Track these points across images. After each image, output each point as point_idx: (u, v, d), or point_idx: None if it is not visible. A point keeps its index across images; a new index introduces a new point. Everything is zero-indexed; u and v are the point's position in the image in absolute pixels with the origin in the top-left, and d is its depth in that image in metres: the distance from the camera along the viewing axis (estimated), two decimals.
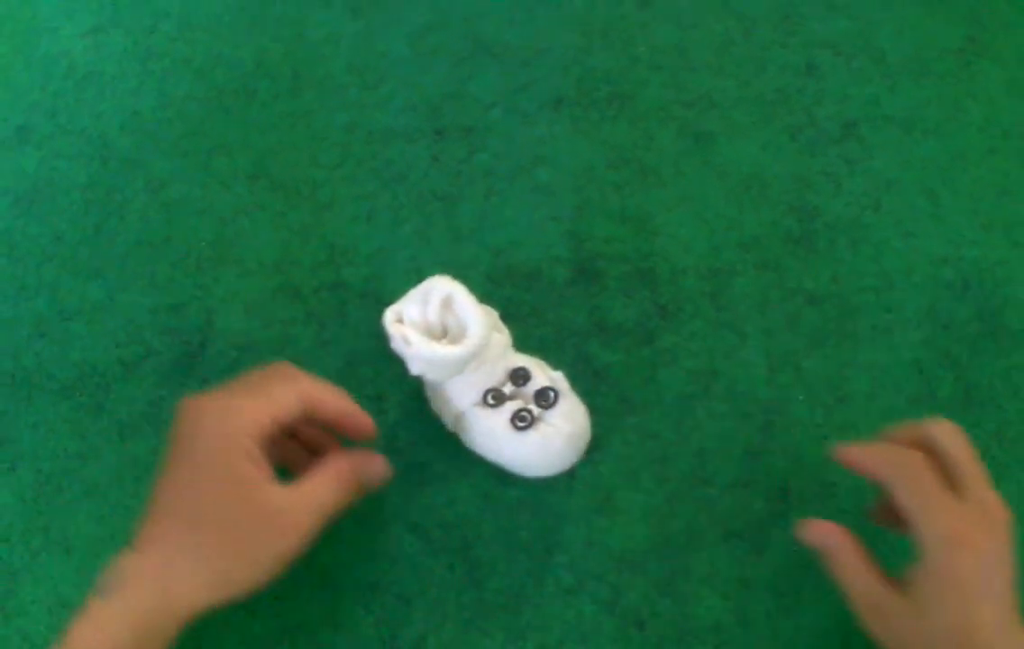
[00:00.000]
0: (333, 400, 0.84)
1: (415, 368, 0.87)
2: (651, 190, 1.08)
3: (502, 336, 0.91)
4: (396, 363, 0.89)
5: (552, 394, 0.89)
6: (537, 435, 0.87)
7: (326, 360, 0.98)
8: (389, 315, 0.87)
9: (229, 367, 0.99)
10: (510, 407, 0.88)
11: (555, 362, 0.94)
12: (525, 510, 0.91)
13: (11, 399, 1.00)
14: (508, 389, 0.89)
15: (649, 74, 1.18)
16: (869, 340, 0.99)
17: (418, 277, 0.90)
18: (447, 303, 0.87)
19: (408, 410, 0.95)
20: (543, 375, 0.91)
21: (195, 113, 1.18)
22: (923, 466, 0.77)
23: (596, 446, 0.92)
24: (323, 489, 0.80)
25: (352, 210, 1.09)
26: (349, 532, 0.87)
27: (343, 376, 0.96)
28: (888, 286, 1.02)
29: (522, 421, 0.87)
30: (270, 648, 0.86)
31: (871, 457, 0.80)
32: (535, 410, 0.88)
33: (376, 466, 0.85)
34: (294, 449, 0.88)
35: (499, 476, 0.91)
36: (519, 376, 0.90)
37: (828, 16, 1.23)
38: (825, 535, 0.81)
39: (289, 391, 0.81)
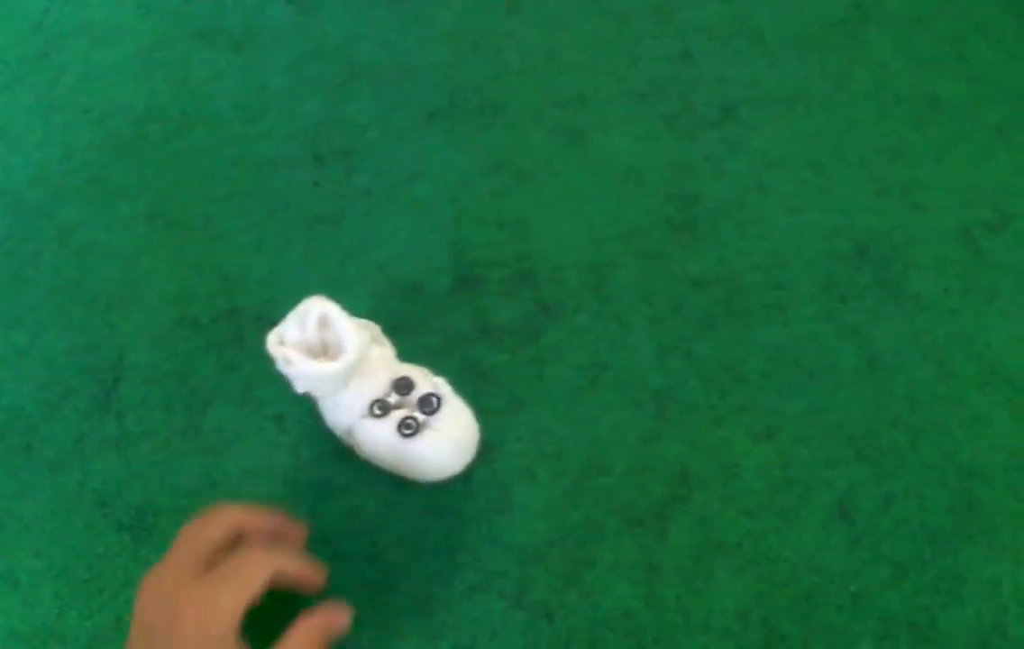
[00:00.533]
0: (294, 566, 0.83)
1: (300, 386, 0.88)
2: (528, 192, 1.10)
3: (384, 348, 0.92)
4: (290, 385, 0.90)
5: (435, 400, 0.89)
6: (423, 441, 0.88)
7: (227, 385, 0.98)
8: (272, 338, 0.88)
9: (140, 401, 0.99)
10: (396, 416, 0.89)
11: (442, 369, 0.94)
12: (428, 514, 0.91)
13: None
14: (393, 399, 0.90)
15: (519, 80, 1.20)
16: (762, 319, 1.00)
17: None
18: (324, 322, 0.88)
19: (307, 428, 0.96)
20: (426, 382, 0.91)
21: (96, 160, 1.20)
22: None
23: (490, 446, 0.93)
24: (300, 643, 0.81)
25: (243, 240, 1.11)
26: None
27: (244, 400, 0.97)
28: (778, 264, 1.03)
29: (408, 428, 0.88)
30: None
31: None
32: (420, 417, 0.88)
33: (342, 620, 0.84)
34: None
35: (400, 484, 0.92)
36: (402, 385, 0.90)
37: (701, 3, 1.25)
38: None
39: (257, 572, 0.80)
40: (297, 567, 0.83)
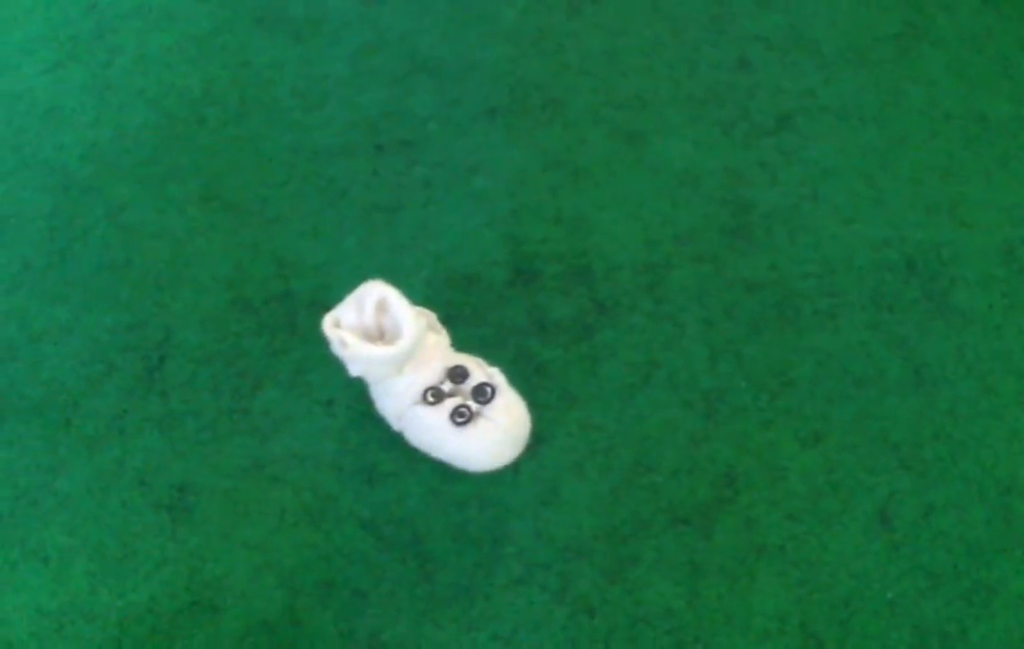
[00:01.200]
0: None
1: (354, 369, 0.90)
2: (585, 191, 1.11)
3: (439, 336, 0.94)
4: (344, 369, 0.92)
5: (489, 389, 0.91)
6: (476, 429, 0.90)
7: (277, 368, 1.00)
8: (328, 320, 0.90)
9: (188, 380, 1.01)
10: (449, 404, 0.91)
11: (496, 360, 0.96)
12: (472, 505, 0.93)
13: None
14: (447, 387, 0.92)
15: (579, 80, 1.22)
16: (812, 325, 1.02)
17: None
18: (382, 306, 0.90)
19: (357, 413, 0.98)
20: (481, 372, 0.94)
21: (150, 141, 1.22)
22: None
23: (540, 440, 0.94)
24: None
25: (299, 225, 1.13)
26: (305, 533, 0.90)
27: (294, 384, 0.99)
28: (829, 271, 1.05)
29: (461, 416, 0.90)
30: (235, 645, 0.88)
31: None
32: (473, 406, 0.91)
33: None
34: None
35: (446, 473, 0.94)
36: (457, 374, 0.93)
37: (759, 12, 1.27)
38: None
39: None
40: None
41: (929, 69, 1.22)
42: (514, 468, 0.93)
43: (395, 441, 0.95)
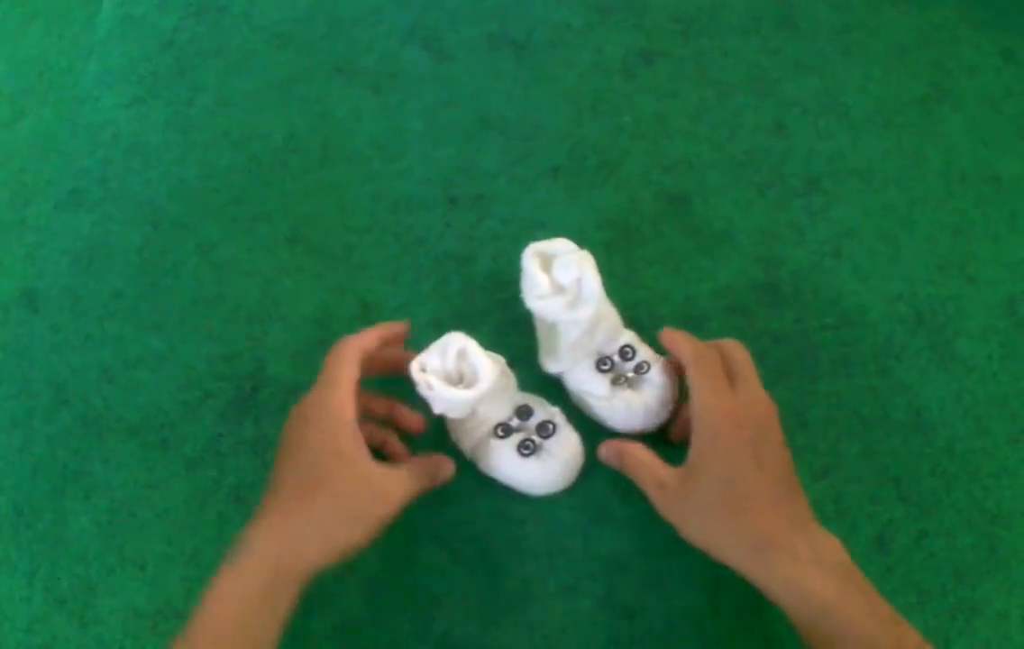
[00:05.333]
0: (373, 335, 1.06)
1: (437, 408, 1.05)
2: (634, 248, 1.26)
3: (509, 379, 1.10)
4: (422, 404, 1.06)
5: (551, 426, 1.08)
6: (538, 461, 1.07)
7: None
8: (414, 365, 1.05)
9: (279, 408, 1.13)
10: (516, 438, 1.08)
11: (556, 400, 1.12)
12: (531, 523, 1.09)
13: (83, 437, 1.16)
14: (515, 423, 1.09)
15: (632, 143, 1.35)
16: (828, 372, 1.18)
17: (436, 329, 1.08)
18: (462, 354, 1.06)
19: (433, 442, 1.12)
20: (543, 410, 1.10)
21: (236, 182, 1.35)
22: (713, 356, 1.01)
23: (591, 468, 1.10)
24: (410, 473, 1.02)
25: (380, 271, 1.26)
26: (388, 545, 1.04)
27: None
28: (846, 324, 1.21)
29: (526, 449, 1.07)
30: (322, 643, 1.04)
31: (681, 341, 1.04)
32: (537, 440, 1.07)
33: (447, 468, 1.05)
34: (374, 433, 1.10)
35: (509, 495, 1.09)
36: (523, 411, 1.10)
37: (798, 76, 1.42)
38: (616, 445, 1.06)
39: (343, 360, 1.02)
40: (377, 334, 1.05)
41: (949, 131, 1.35)
42: (569, 493, 1.09)
43: (466, 467, 1.10)
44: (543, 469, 1.07)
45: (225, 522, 1.10)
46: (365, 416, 1.07)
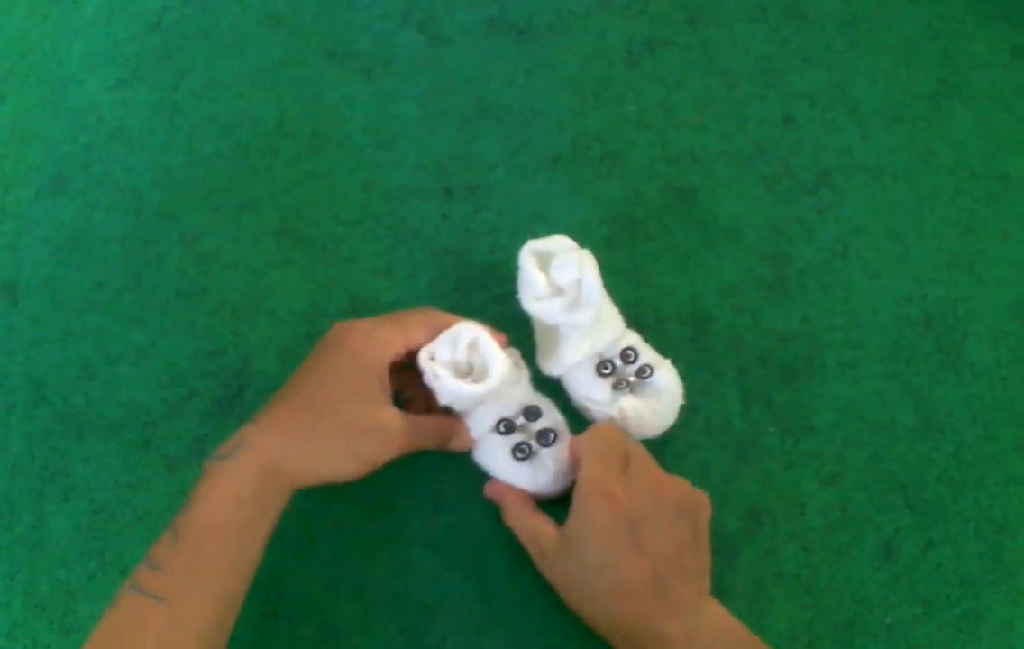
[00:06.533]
0: (451, 319, 1.05)
1: (443, 399, 1.05)
2: (638, 243, 1.25)
3: (521, 372, 1.10)
4: (431, 396, 1.05)
5: (552, 435, 1.07)
6: (530, 467, 1.06)
7: None
8: (423, 353, 1.05)
9: None
10: (515, 438, 1.07)
11: (557, 398, 1.12)
12: None
13: (63, 436, 1.15)
14: (519, 422, 1.08)
15: (637, 133, 1.34)
16: (835, 375, 1.17)
17: None
18: (473, 346, 1.05)
19: None
20: (549, 417, 1.10)
21: (223, 170, 1.34)
22: (613, 439, 1.01)
23: None
24: (425, 427, 1.03)
25: (372, 264, 1.25)
26: (378, 550, 1.05)
27: None
28: (854, 324, 1.20)
29: (521, 453, 1.06)
30: None
31: (586, 435, 1.04)
32: (534, 445, 1.07)
33: (461, 439, 1.06)
34: (409, 380, 1.09)
35: None
36: (531, 412, 1.09)
37: (805, 68, 1.41)
38: (498, 490, 1.06)
39: (419, 322, 1.05)
40: (453, 320, 1.04)
41: (959, 128, 1.34)
42: (564, 502, 1.05)
43: (462, 471, 1.09)
44: (533, 475, 1.07)
45: None
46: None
